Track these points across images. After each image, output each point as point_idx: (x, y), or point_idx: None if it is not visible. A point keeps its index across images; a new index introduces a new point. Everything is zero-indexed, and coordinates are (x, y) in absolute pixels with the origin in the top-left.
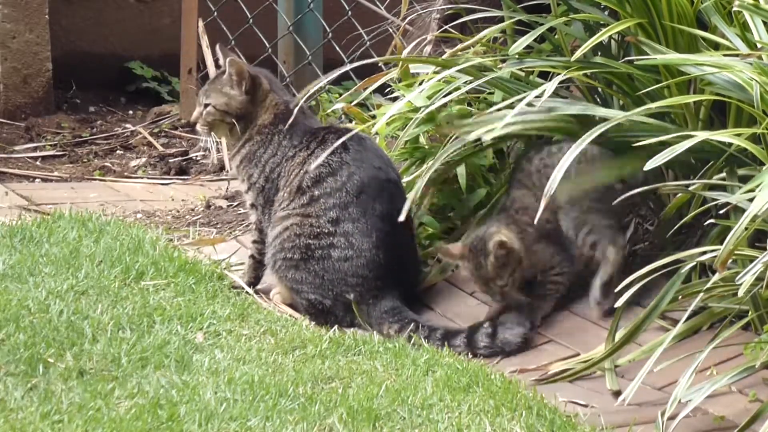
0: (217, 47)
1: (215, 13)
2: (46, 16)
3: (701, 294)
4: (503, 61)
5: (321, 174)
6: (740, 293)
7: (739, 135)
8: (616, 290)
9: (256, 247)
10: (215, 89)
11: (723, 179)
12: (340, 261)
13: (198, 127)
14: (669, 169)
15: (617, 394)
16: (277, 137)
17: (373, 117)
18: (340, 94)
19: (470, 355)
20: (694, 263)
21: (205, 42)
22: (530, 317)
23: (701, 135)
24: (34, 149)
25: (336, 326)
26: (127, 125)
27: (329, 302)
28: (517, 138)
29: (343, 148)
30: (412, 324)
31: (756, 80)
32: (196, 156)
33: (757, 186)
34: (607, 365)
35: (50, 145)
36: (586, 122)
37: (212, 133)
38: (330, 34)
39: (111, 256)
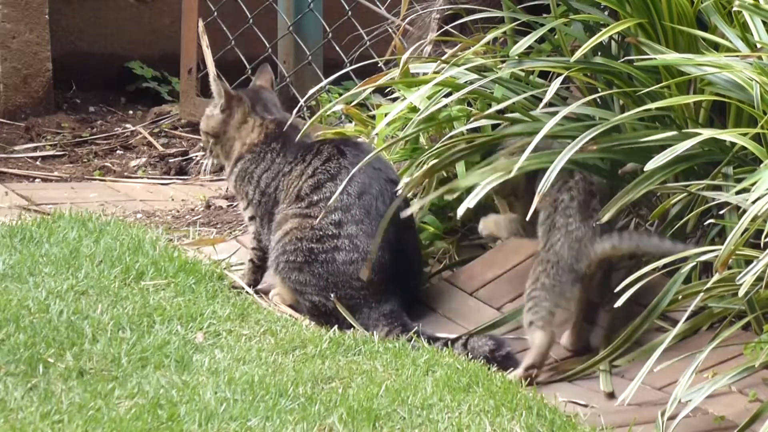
0: (262, 69)
1: (215, 13)
2: (46, 16)
3: (701, 294)
4: (503, 61)
5: (319, 180)
6: (740, 293)
7: (743, 135)
8: (616, 290)
9: (255, 253)
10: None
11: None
12: (345, 264)
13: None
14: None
15: (611, 395)
16: (270, 155)
17: (373, 117)
18: (340, 94)
19: None
20: (694, 263)
21: (205, 42)
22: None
23: (706, 133)
24: (34, 149)
25: (336, 326)
26: (127, 125)
27: (332, 304)
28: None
29: (339, 154)
30: (400, 327)
31: (756, 80)
32: (196, 156)
33: (754, 183)
34: (602, 366)
35: (50, 145)
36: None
37: (212, 157)
38: (330, 34)
39: (111, 256)
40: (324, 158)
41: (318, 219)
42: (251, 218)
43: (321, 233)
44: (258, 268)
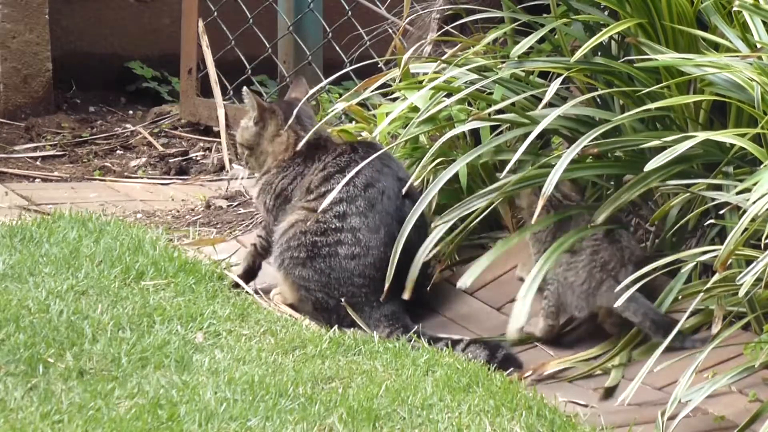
0: (298, 81)
1: (215, 13)
2: (46, 16)
3: (701, 294)
4: (503, 61)
5: (329, 173)
6: (741, 293)
7: (741, 135)
8: (616, 290)
9: (259, 240)
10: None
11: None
12: (347, 259)
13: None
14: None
15: (609, 391)
16: (293, 167)
17: (373, 117)
18: (340, 95)
19: None
20: (695, 263)
21: (205, 42)
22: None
23: (702, 135)
24: (34, 149)
25: (336, 326)
26: (127, 125)
27: (333, 302)
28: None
29: (351, 150)
30: (401, 329)
31: (756, 80)
32: (196, 156)
33: (755, 184)
34: (616, 362)
35: (50, 145)
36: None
37: (247, 168)
38: (330, 34)
39: (111, 256)
40: (336, 154)
41: (321, 208)
42: (266, 219)
43: (324, 226)
44: (258, 255)
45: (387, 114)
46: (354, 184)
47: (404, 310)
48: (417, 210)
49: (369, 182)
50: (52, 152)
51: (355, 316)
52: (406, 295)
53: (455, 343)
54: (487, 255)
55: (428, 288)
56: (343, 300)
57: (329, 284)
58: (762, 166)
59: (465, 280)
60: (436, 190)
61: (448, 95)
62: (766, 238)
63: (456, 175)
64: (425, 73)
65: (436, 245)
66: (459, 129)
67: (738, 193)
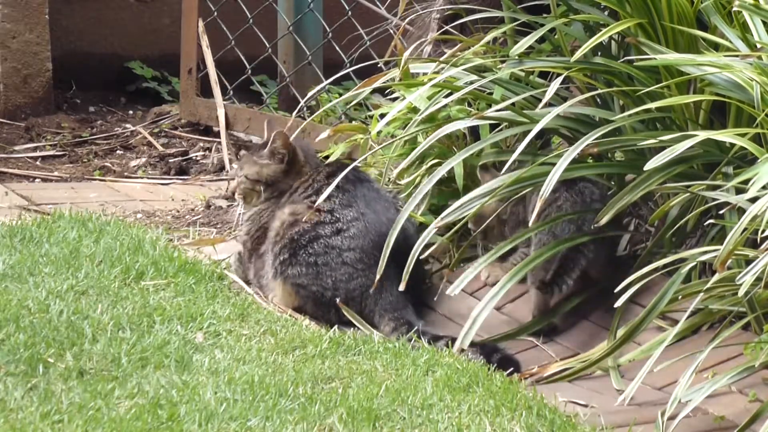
0: (265, 123)
1: (215, 13)
2: (46, 16)
3: (701, 294)
4: (503, 61)
5: (308, 181)
6: (740, 293)
7: (741, 135)
8: (616, 290)
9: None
10: (249, 160)
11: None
12: (333, 235)
13: (236, 197)
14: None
15: (616, 393)
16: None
17: (365, 121)
18: (340, 94)
19: None
20: (694, 263)
21: (205, 42)
22: None
23: (703, 134)
24: (34, 149)
25: (337, 325)
26: (127, 125)
27: (330, 293)
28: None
29: (327, 165)
30: (406, 327)
31: (756, 80)
32: (196, 156)
33: (751, 178)
34: (610, 363)
35: (50, 145)
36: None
37: (245, 201)
38: (330, 34)
39: (111, 256)
40: (317, 173)
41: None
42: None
43: (300, 215)
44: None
45: (381, 117)
46: (319, 178)
47: (408, 301)
48: (411, 203)
49: (332, 172)
50: (52, 152)
51: (352, 316)
52: (401, 286)
53: (455, 342)
54: (477, 262)
55: (426, 289)
56: (338, 300)
57: (320, 274)
58: (760, 160)
59: (454, 289)
60: (431, 185)
61: (448, 95)
62: (762, 232)
63: (454, 177)
64: (425, 74)
65: (430, 245)
66: (453, 126)
67: (736, 188)
